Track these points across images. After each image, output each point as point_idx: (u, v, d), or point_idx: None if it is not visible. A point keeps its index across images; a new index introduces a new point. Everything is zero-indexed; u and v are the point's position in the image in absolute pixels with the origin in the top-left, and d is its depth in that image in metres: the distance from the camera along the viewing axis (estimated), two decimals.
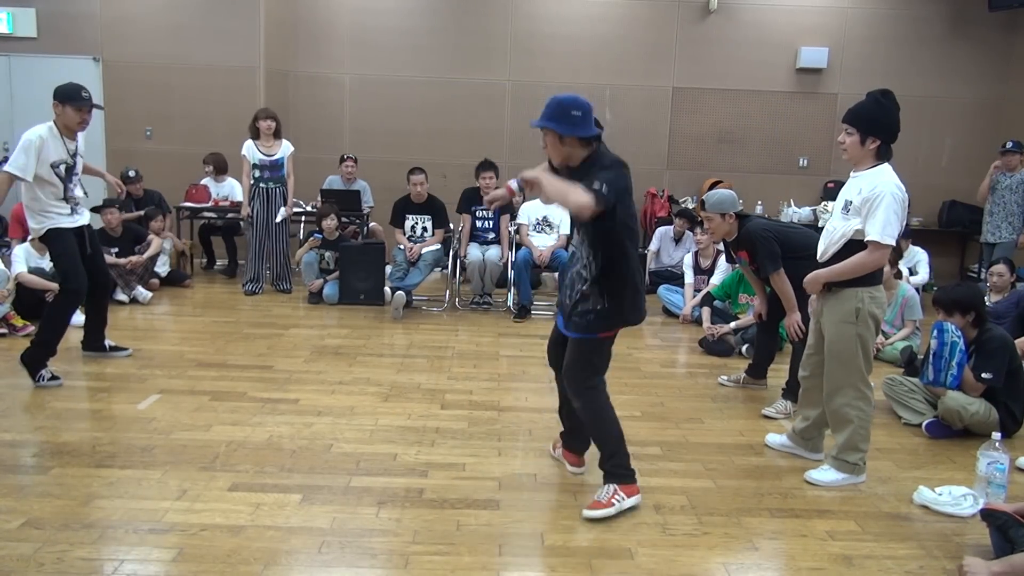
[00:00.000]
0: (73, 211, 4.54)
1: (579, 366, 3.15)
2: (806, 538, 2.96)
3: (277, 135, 7.04)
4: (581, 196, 2.76)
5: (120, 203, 6.76)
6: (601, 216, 2.85)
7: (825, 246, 3.43)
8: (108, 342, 5.02)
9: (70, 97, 4.39)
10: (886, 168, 3.28)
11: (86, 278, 4.55)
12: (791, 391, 4.29)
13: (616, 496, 3.09)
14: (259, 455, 3.53)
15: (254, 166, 6.99)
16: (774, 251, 4.26)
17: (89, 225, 4.70)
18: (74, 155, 4.52)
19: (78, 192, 4.59)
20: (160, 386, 4.46)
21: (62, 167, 4.45)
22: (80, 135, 4.56)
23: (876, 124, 3.25)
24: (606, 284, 3.02)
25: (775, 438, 3.88)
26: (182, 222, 8.02)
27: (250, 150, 7.00)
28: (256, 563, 2.63)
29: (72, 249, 4.51)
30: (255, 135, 7.01)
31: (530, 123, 3.14)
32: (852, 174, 3.36)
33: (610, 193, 2.81)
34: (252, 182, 7.02)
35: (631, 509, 3.10)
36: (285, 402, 4.26)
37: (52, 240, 4.48)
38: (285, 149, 7.08)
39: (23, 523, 2.84)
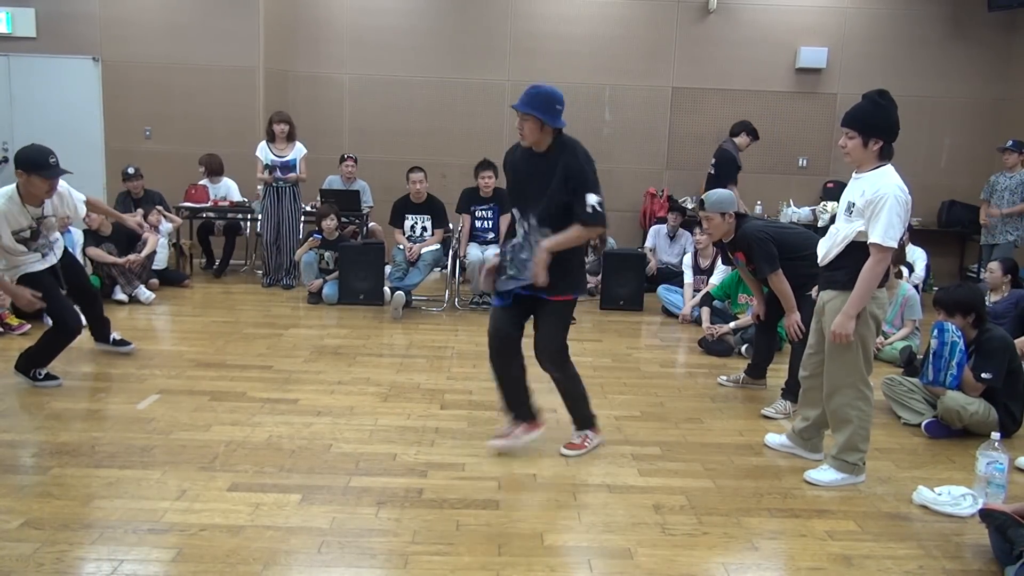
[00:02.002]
0: (44, 256, 4.38)
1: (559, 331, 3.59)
2: (806, 538, 2.96)
3: (291, 138, 7.26)
4: (581, 232, 3.37)
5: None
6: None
7: (827, 248, 3.43)
8: (114, 335, 5.01)
9: (37, 167, 4.03)
10: (889, 169, 3.27)
11: (76, 315, 4.46)
12: (790, 391, 4.29)
13: (588, 439, 3.73)
14: (258, 455, 3.53)
15: (266, 167, 7.19)
16: (771, 252, 4.25)
17: (66, 252, 4.57)
18: (39, 219, 4.26)
19: (48, 239, 4.39)
20: (159, 386, 4.45)
21: (25, 233, 4.21)
22: (49, 201, 4.28)
23: (877, 126, 3.24)
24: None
25: (774, 438, 3.88)
26: (182, 221, 8.01)
27: (263, 151, 7.23)
28: (255, 563, 2.63)
29: (52, 290, 4.35)
30: (270, 138, 7.22)
31: (515, 106, 3.39)
32: (855, 175, 3.34)
33: (602, 204, 3.36)
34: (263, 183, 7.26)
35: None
36: (284, 402, 4.26)
37: (28, 284, 4.28)
38: (298, 151, 7.28)
39: (23, 523, 2.83)
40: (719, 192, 4.47)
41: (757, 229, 4.34)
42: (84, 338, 5.41)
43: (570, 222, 3.38)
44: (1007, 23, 8.76)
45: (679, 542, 2.89)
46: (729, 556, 2.80)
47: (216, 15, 8.44)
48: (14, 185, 4.16)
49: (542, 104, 3.33)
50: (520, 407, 3.70)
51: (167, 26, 8.46)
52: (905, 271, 6.35)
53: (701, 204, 4.46)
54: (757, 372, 4.83)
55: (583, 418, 3.74)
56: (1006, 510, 2.78)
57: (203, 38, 8.47)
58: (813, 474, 3.47)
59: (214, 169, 8.02)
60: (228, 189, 8.06)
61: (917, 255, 7.11)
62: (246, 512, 2.98)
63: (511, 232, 3.60)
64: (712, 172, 7.67)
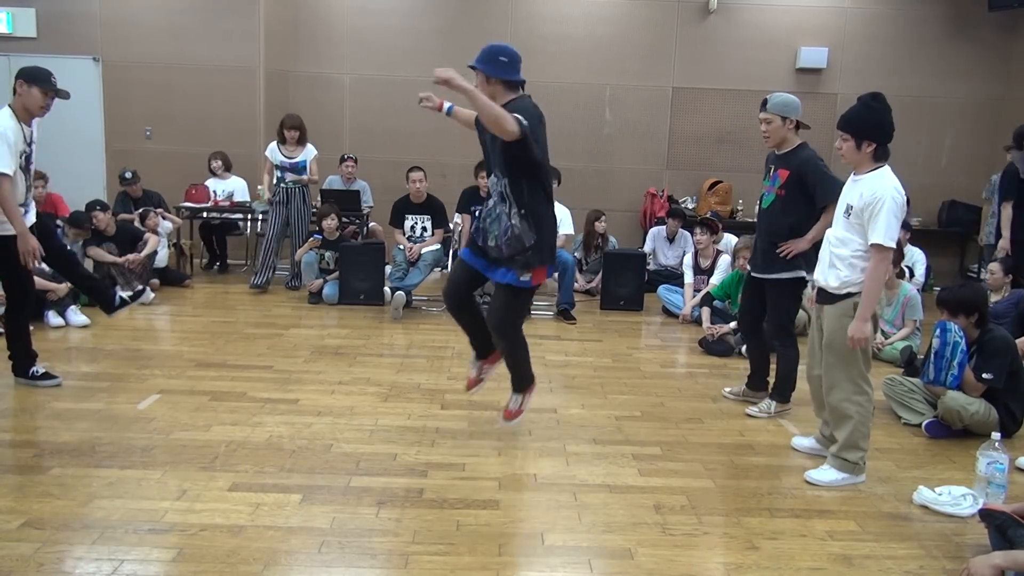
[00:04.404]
0: (27, 211, 4.22)
1: (514, 313, 3.64)
2: (806, 538, 2.96)
3: (301, 142, 7.25)
4: (508, 117, 3.17)
5: (101, 204, 6.75)
6: (523, 145, 3.28)
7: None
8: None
9: (38, 79, 4.12)
10: (885, 171, 3.30)
11: (31, 279, 4.32)
12: (778, 391, 4.36)
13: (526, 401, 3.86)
14: (259, 455, 3.53)
15: (276, 167, 7.20)
16: (836, 181, 3.84)
17: (39, 220, 4.41)
18: (30, 143, 4.21)
19: (30, 183, 4.27)
20: (160, 386, 4.46)
21: (22, 157, 4.14)
22: (35, 123, 4.24)
23: (868, 128, 3.29)
24: (534, 218, 3.43)
25: (802, 441, 3.86)
26: (182, 222, 8.02)
27: (273, 152, 7.24)
28: (256, 563, 2.63)
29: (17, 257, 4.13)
30: (281, 140, 7.22)
31: (467, 64, 3.52)
32: (852, 177, 3.38)
33: (526, 126, 3.23)
34: (275, 182, 7.25)
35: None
36: (285, 402, 4.26)
37: (4, 247, 4.08)
38: (308, 153, 7.28)
39: (23, 523, 2.83)
40: (785, 95, 4.17)
41: (818, 157, 4.10)
42: (84, 337, 5.44)
43: (527, 172, 3.41)
44: (1007, 23, 8.76)
45: (679, 542, 2.89)
46: (729, 556, 2.80)
47: (216, 15, 8.44)
48: (7, 105, 4.13)
49: (483, 56, 3.42)
50: (482, 344, 3.93)
51: (167, 26, 8.46)
52: (907, 271, 6.35)
53: (763, 104, 4.11)
54: (757, 383, 4.75)
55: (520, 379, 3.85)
56: (1006, 510, 2.78)
57: (203, 38, 8.47)
58: (813, 474, 3.47)
59: (228, 164, 8.12)
60: (235, 186, 8.07)
61: (917, 257, 7.10)
62: (246, 512, 2.98)
63: (488, 194, 3.63)
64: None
